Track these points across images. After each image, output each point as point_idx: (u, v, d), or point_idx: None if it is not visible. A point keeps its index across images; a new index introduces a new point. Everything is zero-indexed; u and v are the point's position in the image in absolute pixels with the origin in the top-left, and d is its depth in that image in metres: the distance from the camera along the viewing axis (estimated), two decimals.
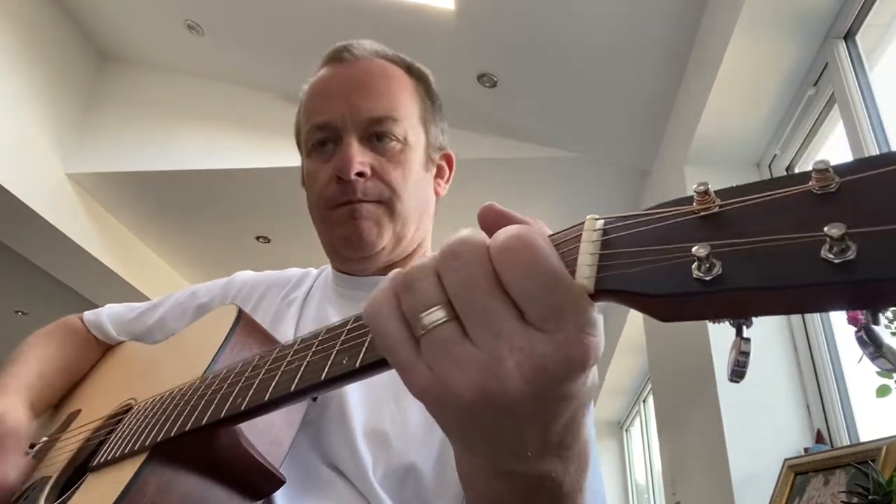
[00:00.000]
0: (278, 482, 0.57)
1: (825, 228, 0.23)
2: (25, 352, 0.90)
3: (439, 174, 0.86)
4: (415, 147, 0.79)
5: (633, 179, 3.28)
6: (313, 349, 0.44)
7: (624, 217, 0.31)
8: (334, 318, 0.77)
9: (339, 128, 0.76)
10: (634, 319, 3.75)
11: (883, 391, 1.46)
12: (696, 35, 2.41)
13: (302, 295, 0.84)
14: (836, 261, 0.23)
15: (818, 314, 2.09)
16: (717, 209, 0.28)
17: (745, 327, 0.28)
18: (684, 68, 2.55)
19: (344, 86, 0.78)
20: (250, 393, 0.47)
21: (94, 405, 0.80)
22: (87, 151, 3.78)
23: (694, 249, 0.26)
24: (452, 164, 0.88)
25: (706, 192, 0.28)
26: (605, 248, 0.30)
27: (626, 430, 5.71)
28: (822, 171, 0.25)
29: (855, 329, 0.26)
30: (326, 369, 0.41)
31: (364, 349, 0.38)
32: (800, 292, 0.24)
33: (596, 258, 0.30)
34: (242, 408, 0.47)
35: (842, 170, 0.25)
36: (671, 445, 2.97)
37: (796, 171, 2.33)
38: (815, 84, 2.08)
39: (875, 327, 0.26)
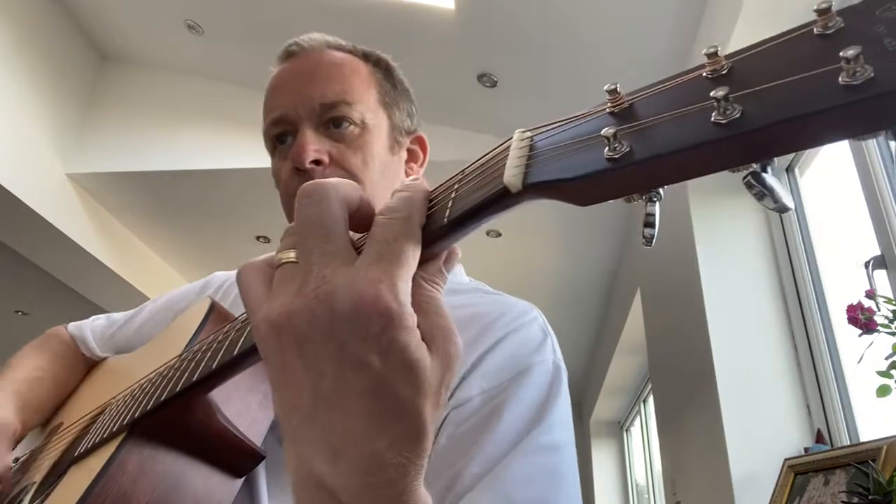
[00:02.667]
0: (258, 457, 0.56)
1: (711, 93, 0.27)
2: (16, 363, 0.90)
3: (412, 158, 0.85)
4: (375, 131, 0.78)
5: None
6: None
7: (549, 124, 0.35)
8: None
9: (293, 119, 0.75)
10: (634, 319, 3.75)
11: (883, 391, 1.46)
12: (696, 35, 2.41)
13: None
14: (724, 121, 0.26)
15: (819, 320, 2.10)
16: (626, 105, 0.31)
17: (655, 200, 0.32)
18: (684, 68, 2.55)
19: (294, 78, 0.77)
20: (220, 353, 0.48)
21: (75, 416, 0.81)
22: (87, 151, 3.78)
23: (603, 131, 0.30)
24: (426, 147, 0.87)
25: (615, 91, 0.31)
26: (531, 150, 0.34)
27: (626, 430, 5.71)
28: (712, 55, 0.28)
29: (743, 176, 0.30)
30: None
31: None
32: (695, 153, 0.28)
33: (523, 160, 0.34)
34: (213, 367, 0.48)
35: (732, 54, 0.29)
36: (671, 445, 2.97)
37: (796, 170, 2.33)
38: None
39: (764, 174, 0.29)
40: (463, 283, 0.78)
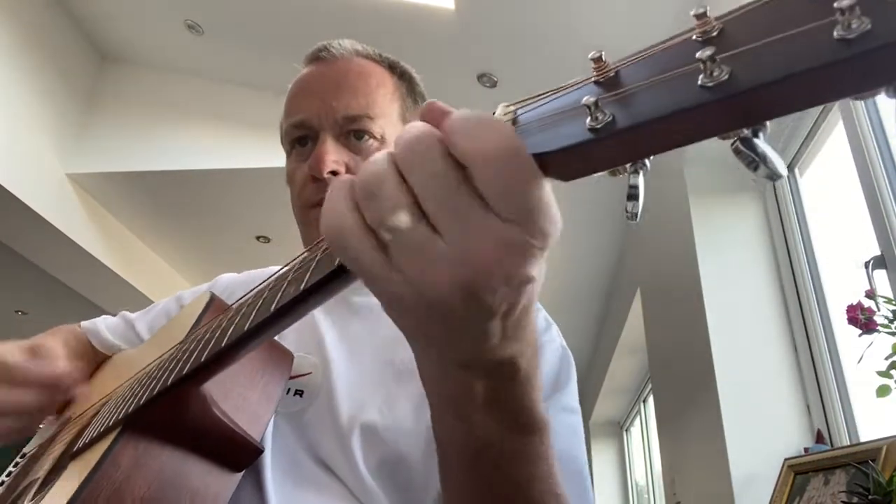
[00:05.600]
0: (255, 451, 0.56)
1: (696, 54, 0.25)
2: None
3: None
4: None
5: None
6: (268, 290, 0.45)
7: (533, 97, 0.33)
8: (313, 316, 0.78)
9: (314, 126, 0.75)
10: (634, 319, 3.75)
11: (883, 391, 1.46)
12: None
13: None
14: (711, 83, 0.24)
15: (819, 320, 2.10)
16: (612, 74, 0.29)
17: (642, 172, 0.30)
18: None
19: (320, 84, 0.77)
20: (211, 344, 0.47)
21: (81, 410, 0.80)
22: (87, 151, 3.78)
23: (584, 100, 0.28)
24: None
25: (600, 59, 0.29)
26: (514, 124, 0.32)
27: (626, 430, 5.71)
28: (701, 16, 0.26)
29: (731, 141, 0.27)
30: (276, 301, 0.41)
31: (308, 276, 0.39)
32: (680, 120, 0.26)
33: None
34: (203, 359, 0.47)
35: (723, 15, 0.26)
36: (671, 445, 2.97)
37: (796, 171, 2.33)
38: None
39: (755, 139, 0.26)
40: None
